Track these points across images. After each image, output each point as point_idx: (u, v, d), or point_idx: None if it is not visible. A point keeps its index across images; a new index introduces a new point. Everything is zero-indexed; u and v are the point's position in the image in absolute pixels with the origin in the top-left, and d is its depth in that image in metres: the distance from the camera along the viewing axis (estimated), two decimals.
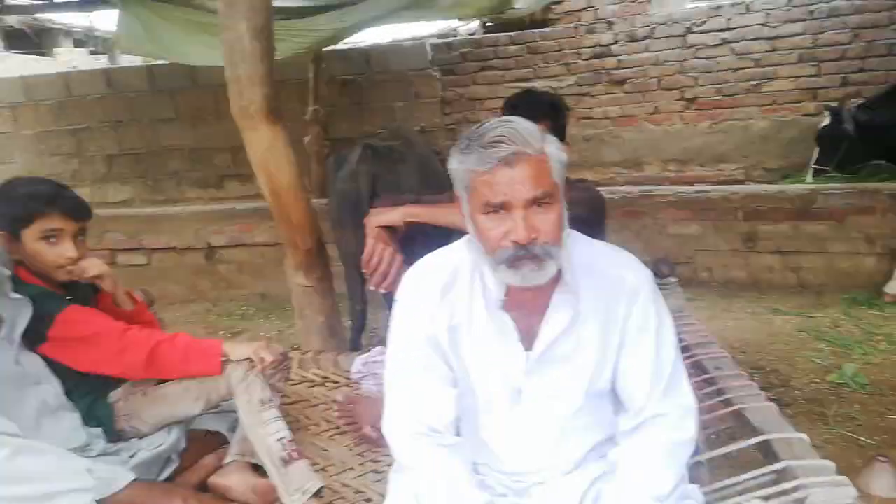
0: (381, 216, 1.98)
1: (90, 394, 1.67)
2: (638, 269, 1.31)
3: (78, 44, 14.35)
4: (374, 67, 5.63)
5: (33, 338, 1.57)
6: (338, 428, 2.08)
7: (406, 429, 1.32)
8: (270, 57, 2.48)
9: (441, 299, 1.30)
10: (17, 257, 1.60)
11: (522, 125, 1.17)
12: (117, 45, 4.97)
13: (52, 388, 1.57)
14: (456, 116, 5.71)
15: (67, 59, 11.80)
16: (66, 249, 1.58)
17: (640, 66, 5.42)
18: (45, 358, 1.58)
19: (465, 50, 5.62)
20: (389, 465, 1.85)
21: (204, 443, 1.80)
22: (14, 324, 1.51)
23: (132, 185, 6.29)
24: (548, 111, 2.17)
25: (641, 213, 4.47)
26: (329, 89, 5.53)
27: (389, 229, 1.97)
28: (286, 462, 1.54)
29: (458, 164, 1.20)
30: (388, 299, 2.78)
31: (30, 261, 1.59)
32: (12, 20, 10.71)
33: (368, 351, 2.53)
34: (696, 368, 1.81)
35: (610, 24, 5.39)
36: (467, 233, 1.27)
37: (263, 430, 1.56)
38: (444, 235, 2.47)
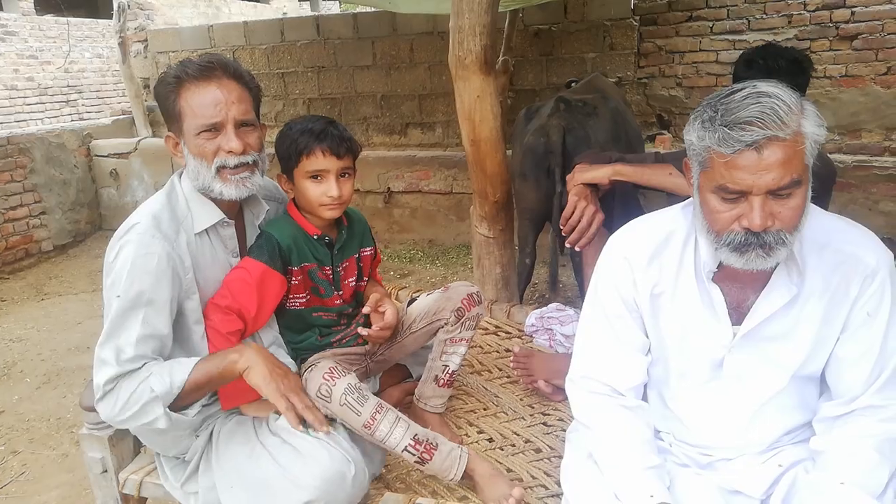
0: (588, 173, 1.93)
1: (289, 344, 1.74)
2: (878, 249, 1.17)
3: None
4: (571, 17, 5.44)
5: None
6: (509, 377, 2.11)
7: (588, 387, 1.31)
8: (495, 8, 2.48)
9: (648, 265, 1.25)
10: (292, 195, 1.68)
11: (779, 100, 1.03)
12: None
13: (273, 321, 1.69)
14: (650, 70, 5.39)
15: (279, 6, 12.83)
16: (329, 188, 1.58)
17: (877, 21, 4.72)
18: None
19: None
20: (560, 420, 1.87)
21: (391, 375, 1.92)
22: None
23: None
24: (787, 70, 1.97)
25: (851, 185, 4.07)
26: (520, 39, 5.46)
27: (592, 187, 1.91)
28: (423, 462, 1.51)
29: (695, 139, 1.10)
30: (575, 258, 2.78)
31: (300, 199, 1.65)
32: None
33: (544, 306, 2.52)
34: None
35: None
36: (671, 195, 1.20)
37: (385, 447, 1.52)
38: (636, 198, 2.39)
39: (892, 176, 3.93)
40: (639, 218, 1.33)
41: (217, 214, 1.53)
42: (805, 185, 1.07)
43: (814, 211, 1.17)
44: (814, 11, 4.87)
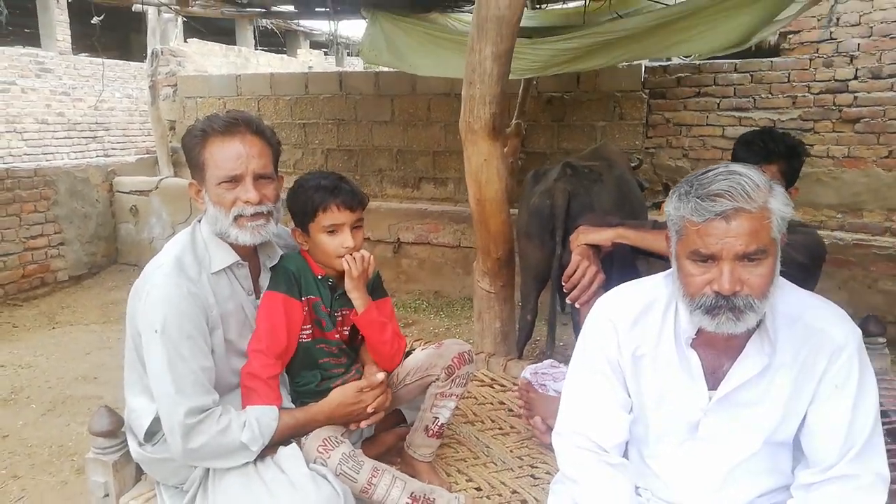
0: (591, 234, 2.02)
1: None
2: (846, 326, 1.25)
3: (313, 45, 16.13)
4: (583, 86, 5.68)
5: None
6: (501, 429, 2.16)
7: (574, 441, 1.37)
8: (505, 79, 2.62)
9: (631, 328, 1.34)
10: (306, 247, 1.78)
11: (747, 178, 1.14)
12: (361, 54, 5.54)
13: None
14: (658, 140, 5.58)
15: (305, 59, 13.33)
16: (345, 239, 1.70)
17: (879, 106, 4.90)
18: None
19: (681, 75, 5.46)
20: (547, 472, 1.91)
21: (385, 419, 1.93)
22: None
23: None
24: (784, 154, 2.09)
25: (851, 263, 4.14)
26: (533, 105, 5.68)
27: (594, 248, 2.01)
28: None
29: (672, 210, 1.21)
30: (575, 317, 2.85)
31: (315, 251, 1.75)
32: (266, 22, 12.30)
33: (539, 362, 2.58)
34: (892, 436, 1.64)
35: (852, 58, 4.95)
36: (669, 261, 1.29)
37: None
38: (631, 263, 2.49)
39: (892, 256, 4.00)
40: (625, 283, 1.42)
41: (232, 257, 1.64)
42: (773, 256, 1.16)
43: (789, 287, 1.27)
44: (818, 94, 5.06)
